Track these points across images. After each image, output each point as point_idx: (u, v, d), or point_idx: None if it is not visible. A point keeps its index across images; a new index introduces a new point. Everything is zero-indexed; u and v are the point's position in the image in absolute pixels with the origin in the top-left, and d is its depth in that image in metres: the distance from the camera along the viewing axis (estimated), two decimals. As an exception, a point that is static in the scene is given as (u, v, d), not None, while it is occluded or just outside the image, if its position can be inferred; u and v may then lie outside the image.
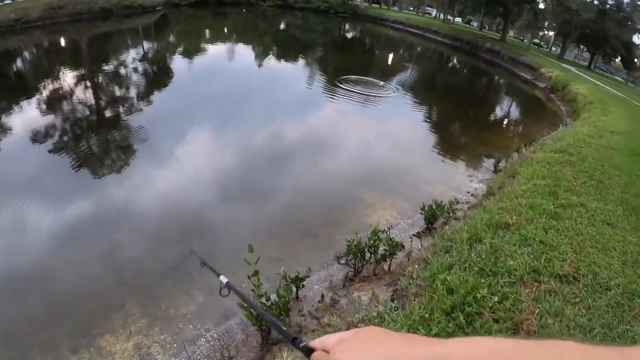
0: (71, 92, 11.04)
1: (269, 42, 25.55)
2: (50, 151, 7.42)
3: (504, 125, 15.03)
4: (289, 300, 3.32)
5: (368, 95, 13.85)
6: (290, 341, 0.64)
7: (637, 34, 35.45)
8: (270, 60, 20.13)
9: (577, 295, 2.72)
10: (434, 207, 5.30)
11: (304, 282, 3.87)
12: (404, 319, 2.58)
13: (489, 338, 0.45)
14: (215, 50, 20.03)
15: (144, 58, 16.83)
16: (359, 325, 2.85)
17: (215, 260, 4.41)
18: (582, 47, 43.31)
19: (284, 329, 0.73)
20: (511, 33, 45.82)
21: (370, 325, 2.70)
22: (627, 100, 20.01)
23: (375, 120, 11.85)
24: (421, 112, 14.26)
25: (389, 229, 5.32)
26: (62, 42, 19.21)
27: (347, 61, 22.41)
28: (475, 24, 53.33)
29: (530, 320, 2.44)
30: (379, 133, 10.73)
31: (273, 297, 3.28)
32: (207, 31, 27.28)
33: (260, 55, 20.59)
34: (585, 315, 2.53)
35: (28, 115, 9.07)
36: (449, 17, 46.38)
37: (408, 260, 4.22)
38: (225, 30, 29.08)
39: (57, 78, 12.59)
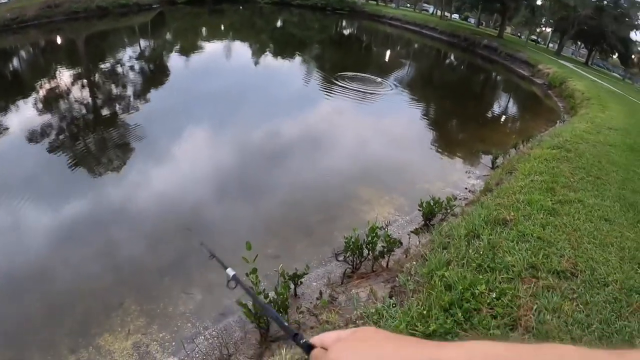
0: (68, 91, 11.00)
1: (265, 40, 25.49)
2: (47, 150, 7.39)
3: (501, 122, 15.04)
4: (287, 297, 3.32)
5: (365, 92, 13.83)
6: (292, 337, 0.65)
7: (635, 30, 35.48)
8: (267, 58, 20.08)
9: (575, 291, 2.73)
10: (432, 204, 5.30)
11: (302, 279, 3.88)
12: (402, 315, 2.58)
13: (486, 342, 0.44)
14: (212, 48, 19.98)
15: (140, 56, 16.76)
16: (357, 322, 2.85)
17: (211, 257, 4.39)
18: (579, 43, 43.32)
19: (286, 324, 0.74)
20: (508, 30, 45.79)
21: (368, 322, 2.71)
22: (625, 97, 20.05)
23: (372, 117, 11.84)
24: (418, 108, 14.25)
25: (386, 225, 5.33)
26: (59, 41, 19.10)
27: (344, 58, 22.38)
28: (472, 20, 53.32)
29: (528, 316, 2.44)
30: (376, 130, 10.72)
31: (271, 294, 3.28)
32: (203, 29, 27.19)
33: (257, 53, 20.53)
34: (583, 311, 2.53)
35: (25, 114, 9.02)
36: (446, 13, 46.35)
37: (406, 256, 4.23)
38: (222, 27, 28.99)
39: (53, 77, 12.52)
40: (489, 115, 15.56)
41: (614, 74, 40.53)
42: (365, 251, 4.16)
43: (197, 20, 30.40)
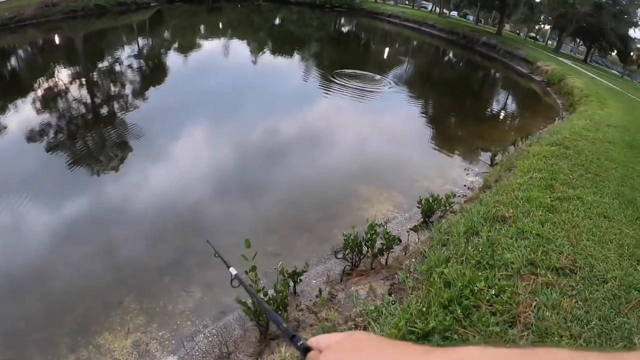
0: (66, 90, 10.96)
1: (264, 37, 25.43)
2: (45, 149, 7.37)
3: (500, 119, 15.03)
4: (286, 295, 3.32)
5: (364, 89, 13.82)
6: (289, 339, 0.65)
7: (633, 27, 35.45)
8: (266, 56, 20.05)
9: (574, 288, 2.73)
10: (431, 201, 5.30)
11: (302, 277, 3.87)
12: (402, 312, 2.58)
13: (481, 348, 0.43)
14: (210, 46, 19.94)
15: (139, 55, 16.72)
16: (356, 319, 2.85)
17: (213, 255, 4.40)
18: (578, 40, 43.29)
19: (285, 325, 0.74)
20: (507, 27, 45.68)
21: (368, 319, 2.71)
22: (623, 94, 20.06)
23: (371, 115, 11.83)
24: (417, 106, 14.25)
25: (385, 223, 5.33)
26: (57, 40, 19.04)
27: (343, 55, 22.34)
28: (471, 17, 53.24)
29: (527, 313, 2.44)
30: (375, 127, 10.72)
31: (271, 292, 3.29)
32: (202, 27, 27.12)
33: (256, 51, 20.50)
34: (582, 308, 2.53)
35: (23, 113, 9.00)
36: (444, 10, 46.29)
37: (405, 254, 4.23)
38: (220, 25, 28.94)
39: (52, 76, 12.49)
40: (487, 113, 15.55)
41: (613, 71, 40.55)
42: (365, 248, 4.16)
43: (195, 18, 30.31)
